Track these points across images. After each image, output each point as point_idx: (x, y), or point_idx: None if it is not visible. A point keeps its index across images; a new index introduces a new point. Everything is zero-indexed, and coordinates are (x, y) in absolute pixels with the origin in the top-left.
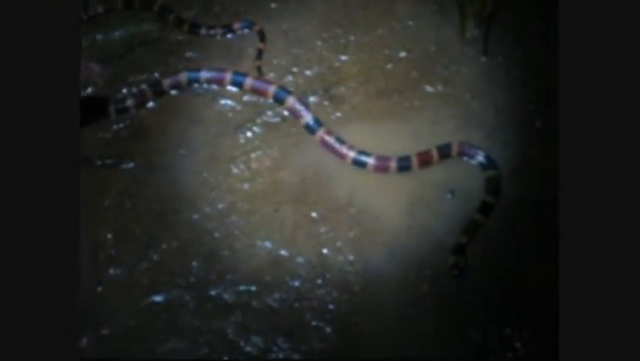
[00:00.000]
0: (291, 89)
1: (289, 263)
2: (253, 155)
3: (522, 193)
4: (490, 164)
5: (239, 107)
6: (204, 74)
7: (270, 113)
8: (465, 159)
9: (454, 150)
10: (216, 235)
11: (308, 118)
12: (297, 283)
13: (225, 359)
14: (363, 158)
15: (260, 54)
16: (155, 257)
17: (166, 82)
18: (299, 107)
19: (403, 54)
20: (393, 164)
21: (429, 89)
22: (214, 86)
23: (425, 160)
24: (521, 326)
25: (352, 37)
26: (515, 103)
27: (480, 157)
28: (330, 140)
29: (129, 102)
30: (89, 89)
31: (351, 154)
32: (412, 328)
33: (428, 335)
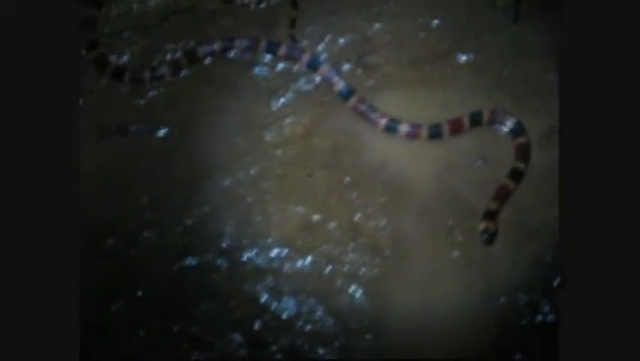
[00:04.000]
0: (324, 57)
1: (321, 228)
2: (286, 121)
3: (551, 160)
4: (520, 131)
5: (272, 75)
6: (238, 42)
7: (303, 80)
8: (496, 126)
9: (485, 117)
10: (249, 200)
11: (341, 86)
12: (328, 248)
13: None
14: (395, 125)
15: (293, 22)
16: (189, 222)
17: (200, 50)
18: (332, 74)
19: (435, 22)
20: (424, 131)
21: (460, 57)
22: (248, 54)
23: (456, 127)
24: (550, 291)
25: (385, 6)
26: (545, 71)
27: (511, 124)
28: (363, 107)
29: (164, 70)
30: (125, 57)
31: (383, 121)
32: (441, 292)
33: (458, 299)
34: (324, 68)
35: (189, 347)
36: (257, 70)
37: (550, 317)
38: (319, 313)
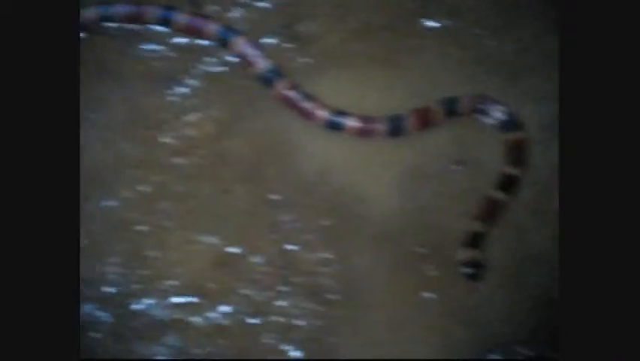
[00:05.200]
0: (240, 27)
1: (241, 264)
2: (190, 118)
3: (557, 162)
4: (513, 124)
5: (169, 54)
6: (120, 9)
7: (211, 60)
8: (479, 117)
9: (464, 105)
10: (140, 228)
11: (263, 66)
12: (252, 292)
13: None
14: (341, 119)
15: None
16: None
17: None
18: (251, 51)
19: None
20: (381, 126)
21: (429, 23)
22: (134, 26)
23: (425, 120)
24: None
25: None
26: (545, 39)
27: (499, 115)
28: (295, 95)
29: None
30: None
31: (324, 114)
32: (410, 349)
33: (434, 357)
34: (240, 43)
35: None
36: (146, 47)
37: None
38: None
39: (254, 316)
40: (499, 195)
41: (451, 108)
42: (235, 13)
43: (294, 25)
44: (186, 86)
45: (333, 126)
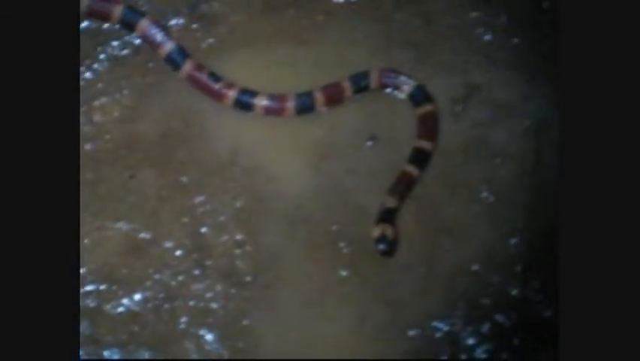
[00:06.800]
0: (145, 8)
1: (153, 249)
2: (96, 103)
3: (469, 134)
4: (423, 97)
5: None
6: None
7: (116, 43)
8: (389, 91)
9: (374, 80)
10: None
11: (169, 48)
12: (165, 277)
13: None
14: (249, 98)
15: None
16: None
17: None
18: (156, 33)
19: None
20: (290, 104)
21: None
22: None
23: (334, 96)
24: (478, 317)
25: None
26: (454, 11)
27: (409, 88)
28: (202, 76)
29: None
30: None
31: (232, 94)
32: (326, 328)
33: (349, 336)
34: (145, 25)
35: None
36: None
37: (477, 352)
38: None
39: (168, 301)
40: (412, 169)
41: (360, 83)
42: None
43: (199, 6)
44: (92, 70)
45: (242, 106)
